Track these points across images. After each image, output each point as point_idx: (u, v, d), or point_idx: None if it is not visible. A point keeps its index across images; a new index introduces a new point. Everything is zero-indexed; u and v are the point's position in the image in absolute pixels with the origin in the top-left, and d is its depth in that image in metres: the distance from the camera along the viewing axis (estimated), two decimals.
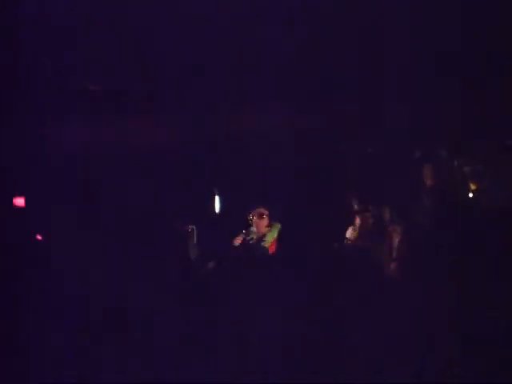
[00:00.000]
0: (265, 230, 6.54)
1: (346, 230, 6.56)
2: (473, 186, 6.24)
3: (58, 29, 6.84)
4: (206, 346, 4.28)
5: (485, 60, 7.35)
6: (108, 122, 7.82)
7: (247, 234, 6.46)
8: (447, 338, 4.25)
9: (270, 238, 6.48)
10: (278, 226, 6.58)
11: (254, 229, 6.54)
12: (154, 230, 6.30)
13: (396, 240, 6.08)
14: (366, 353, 4.10)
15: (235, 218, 6.97)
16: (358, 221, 6.47)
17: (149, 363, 4.22)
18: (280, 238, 6.51)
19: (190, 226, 7.41)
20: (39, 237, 6.47)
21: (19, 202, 7.32)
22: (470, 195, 6.14)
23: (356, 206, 6.67)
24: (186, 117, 7.91)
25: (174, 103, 7.65)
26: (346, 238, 6.46)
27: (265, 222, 6.57)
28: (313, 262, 4.89)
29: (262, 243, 6.40)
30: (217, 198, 8.17)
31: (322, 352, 4.17)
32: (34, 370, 4.28)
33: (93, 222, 6.71)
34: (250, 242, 6.41)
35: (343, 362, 4.09)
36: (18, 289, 4.93)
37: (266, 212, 6.57)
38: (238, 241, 6.44)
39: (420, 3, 6.99)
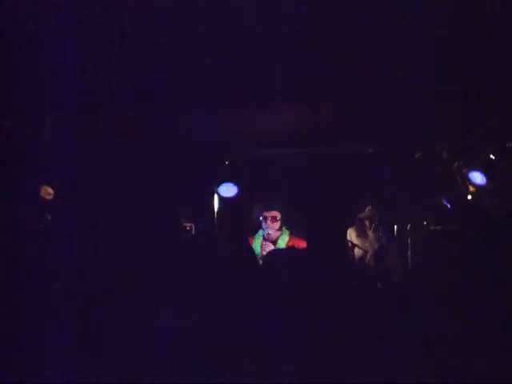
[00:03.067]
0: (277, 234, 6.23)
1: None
2: (472, 189, 6.25)
3: None
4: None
5: (487, 61, 7.33)
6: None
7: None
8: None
9: (282, 243, 6.18)
10: (287, 231, 6.26)
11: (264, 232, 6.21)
12: None
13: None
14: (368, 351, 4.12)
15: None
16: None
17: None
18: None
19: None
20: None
21: None
22: (469, 198, 6.16)
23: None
24: None
25: None
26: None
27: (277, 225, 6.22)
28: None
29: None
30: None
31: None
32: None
33: None
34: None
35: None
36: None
37: (279, 215, 6.20)
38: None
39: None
